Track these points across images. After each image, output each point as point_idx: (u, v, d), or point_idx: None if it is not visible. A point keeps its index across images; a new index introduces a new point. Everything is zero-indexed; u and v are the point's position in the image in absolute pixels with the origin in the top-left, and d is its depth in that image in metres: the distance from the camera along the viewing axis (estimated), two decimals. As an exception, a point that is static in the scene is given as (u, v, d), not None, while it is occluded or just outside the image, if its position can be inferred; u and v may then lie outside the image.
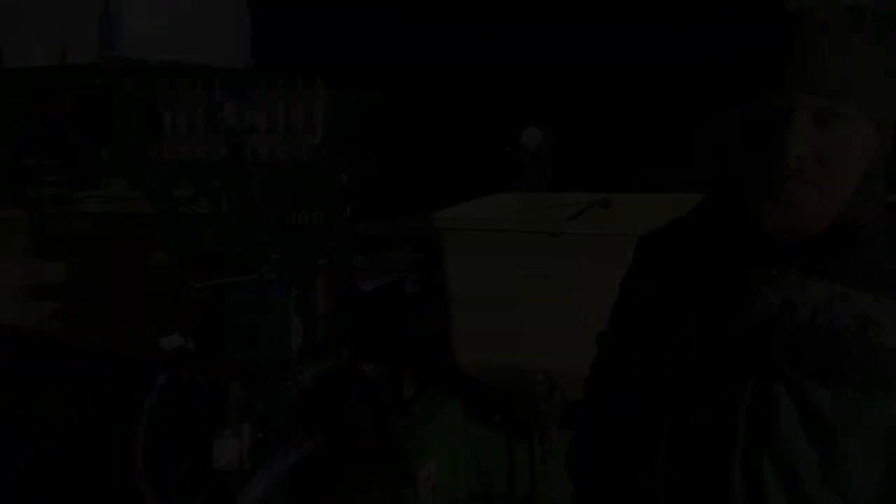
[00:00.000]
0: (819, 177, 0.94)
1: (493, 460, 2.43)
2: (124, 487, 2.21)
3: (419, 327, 2.58)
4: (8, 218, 2.55)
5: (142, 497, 1.76)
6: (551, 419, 2.20)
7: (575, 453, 1.30)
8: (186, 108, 1.77)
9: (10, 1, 3.01)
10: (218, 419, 1.70)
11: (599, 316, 2.02)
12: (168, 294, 2.16)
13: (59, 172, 3.75)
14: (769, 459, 0.95)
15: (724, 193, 1.07)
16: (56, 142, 3.76)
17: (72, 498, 3.12)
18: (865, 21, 0.96)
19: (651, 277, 1.16)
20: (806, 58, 0.94)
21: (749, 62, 1.00)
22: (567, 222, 2.09)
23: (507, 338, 2.08)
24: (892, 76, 0.95)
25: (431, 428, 2.32)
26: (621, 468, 1.12)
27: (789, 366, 0.95)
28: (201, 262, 1.89)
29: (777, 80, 0.96)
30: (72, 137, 3.61)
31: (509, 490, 2.42)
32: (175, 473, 2.43)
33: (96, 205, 3.02)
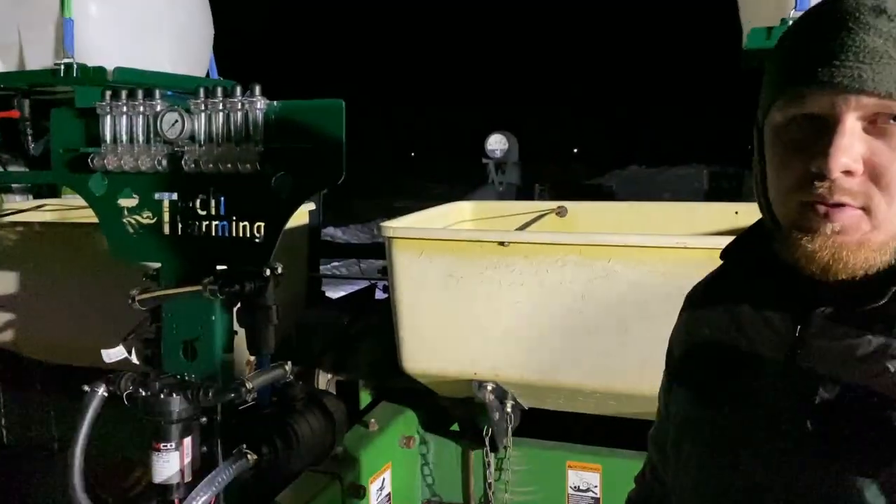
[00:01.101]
0: (869, 196, 0.77)
1: (449, 469, 2.42)
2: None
3: (376, 336, 2.57)
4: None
5: (81, 512, 1.73)
6: (503, 427, 2.21)
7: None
8: (128, 118, 1.75)
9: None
10: (158, 432, 1.68)
11: (548, 324, 2.04)
12: (115, 305, 2.14)
13: (22, 179, 3.71)
14: None
15: (761, 225, 0.90)
16: (17, 148, 3.72)
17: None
18: None
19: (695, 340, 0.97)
20: (847, 49, 0.76)
21: (776, 57, 0.82)
22: (515, 231, 2.10)
23: (456, 347, 2.08)
24: None
25: (386, 438, 2.31)
26: None
27: (827, 436, 0.78)
28: (145, 274, 1.87)
29: (812, 78, 0.77)
30: (27, 146, 3.58)
31: (465, 499, 2.42)
32: (116, 487, 2.40)
33: (53, 213, 2.99)
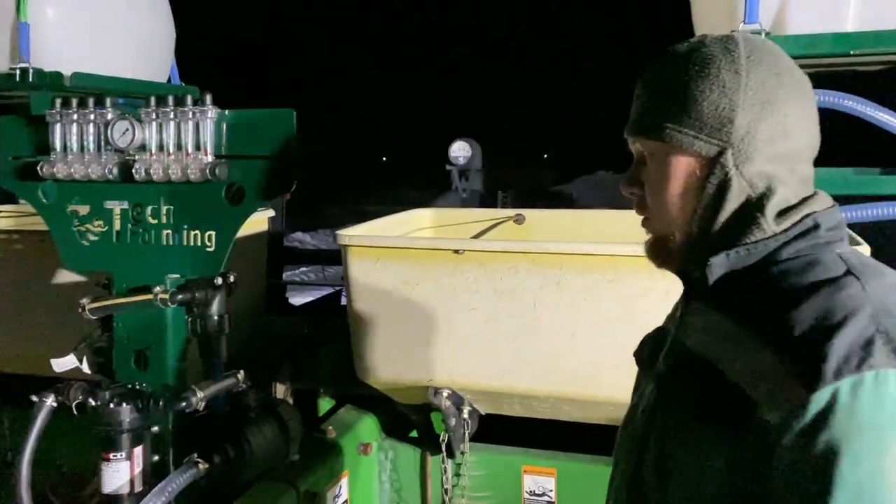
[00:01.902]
0: (645, 209, 1.06)
1: (407, 476, 2.43)
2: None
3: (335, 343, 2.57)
4: None
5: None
6: (460, 433, 2.22)
7: None
8: (77, 126, 1.75)
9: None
10: (108, 442, 1.67)
11: (502, 331, 2.06)
12: (68, 314, 2.12)
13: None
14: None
15: None
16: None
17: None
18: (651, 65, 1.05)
19: None
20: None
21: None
22: (469, 240, 2.12)
23: (412, 353, 2.10)
24: (675, 112, 0.99)
25: (344, 444, 2.32)
26: None
27: (664, 383, 1.03)
28: (97, 282, 1.87)
29: None
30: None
31: (423, 505, 2.43)
32: (73, 498, 2.38)
33: (8, 219, 2.94)
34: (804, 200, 0.99)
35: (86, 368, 1.84)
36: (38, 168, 1.77)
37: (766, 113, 0.97)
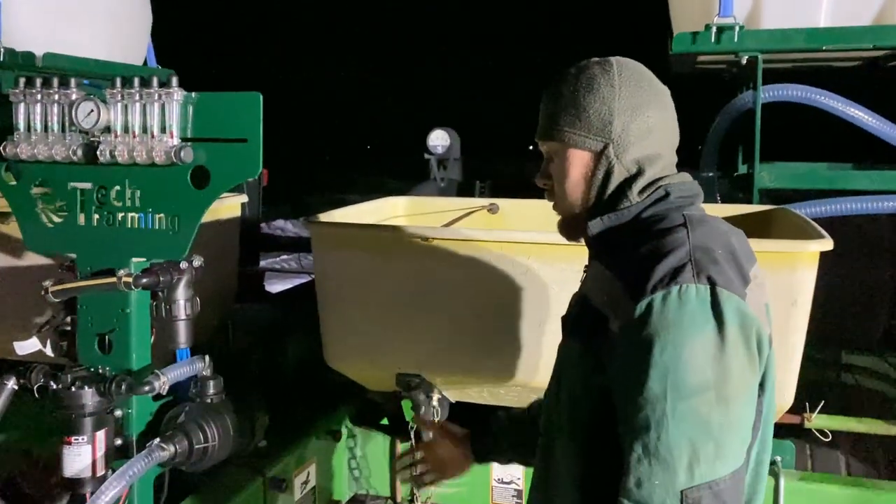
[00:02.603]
0: (554, 196, 1.38)
1: (376, 463, 2.44)
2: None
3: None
4: None
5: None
6: (429, 421, 2.23)
7: None
8: (42, 106, 1.72)
9: None
10: (70, 426, 1.65)
11: (470, 319, 2.06)
12: (32, 297, 2.10)
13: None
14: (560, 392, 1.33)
15: None
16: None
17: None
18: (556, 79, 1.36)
19: None
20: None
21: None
22: (439, 228, 2.12)
23: (380, 341, 2.09)
24: (566, 118, 1.32)
25: (312, 432, 2.32)
26: None
27: (567, 324, 1.38)
28: (61, 265, 1.84)
29: None
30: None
31: (391, 492, 2.44)
32: (31, 482, 2.36)
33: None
34: (665, 178, 1.30)
35: (49, 351, 1.82)
36: (2, 148, 1.74)
37: (634, 115, 1.29)
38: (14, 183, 1.79)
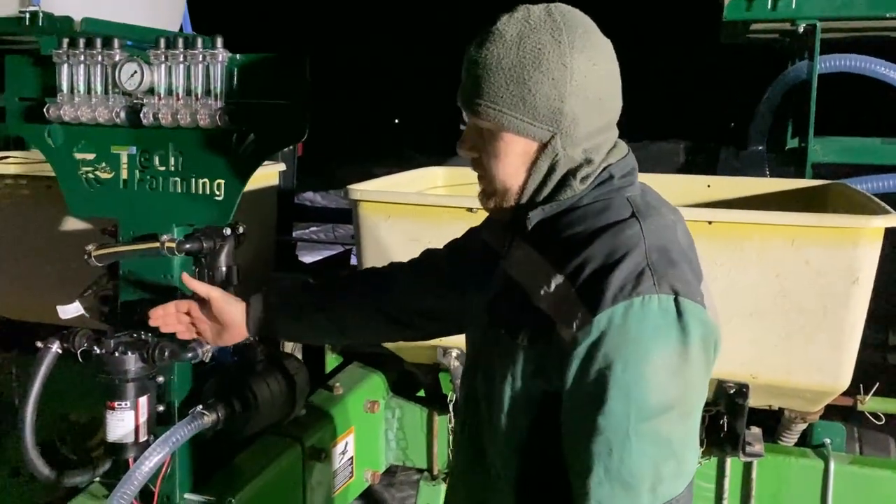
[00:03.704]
0: (482, 169, 1.20)
1: (414, 435, 2.42)
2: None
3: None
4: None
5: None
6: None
7: None
8: (85, 67, 1.69)
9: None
10: (113, 391, 1.65)
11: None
12: (74, 261, 2.09)
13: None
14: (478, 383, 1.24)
15: None
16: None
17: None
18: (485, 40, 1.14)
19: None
20: (462, 79, 1.17)
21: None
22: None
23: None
24: (501, 93, 1.11)
25: (351, 401, 2.30)
26: None
27: (491, 306, 1.22)
28: (103, 229, 1.83)
29: None
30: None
31: (429, 464, 2.42)
32: (69, 446, 2.37)
33: (17, 166, 2.90)
34: (606, 156, 1.17)
35: (91, 316, 1.82)
36: (45, 110, 1.72)
37: (585, 99, 1.12)
38: (57, 146, 1.77)
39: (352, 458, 2.28)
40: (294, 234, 4.32)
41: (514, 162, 1.15)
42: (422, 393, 2.56)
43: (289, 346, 2.56)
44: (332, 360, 2.59)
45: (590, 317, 1.04)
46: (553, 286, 1.10)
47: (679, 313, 1.04)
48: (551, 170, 1.15)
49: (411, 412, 2.43)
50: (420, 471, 4.09)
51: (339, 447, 2.21)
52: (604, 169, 1.17)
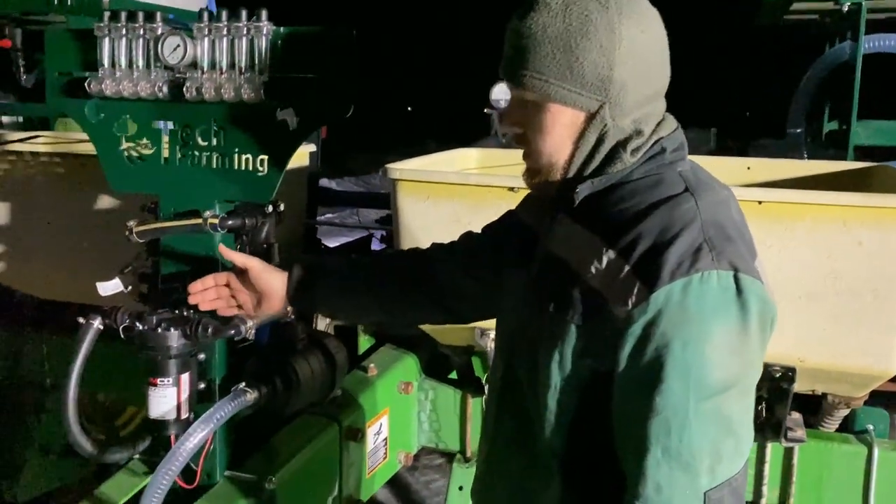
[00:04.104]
0: (526, 145, 1.17)
1: (446, 416, 2.41)
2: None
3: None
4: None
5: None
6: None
7: None
8: (126, 41, 1.67)
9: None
10: (155, 368, 1.64)
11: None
12: (109, 240, 2.08)
13: (12, 111, 3.61)
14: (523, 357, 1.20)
15: None
16: (8, 79, 3.60)
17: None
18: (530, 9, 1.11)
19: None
20: (504, 51, 1.15)
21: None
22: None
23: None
24: (551, 62, 1.09)
25: (385, 382, 2.29)
26: None
27: (533, 283, 1.19)
28: (142, 206, 1.82)
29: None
30: (19, 77, 3.47)
31: (461, 447, 2.41)
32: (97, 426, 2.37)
33: (46, 145, 2.90)
34: (655, 128, 1.15)
35: (130, 293, 1.80)
36: (86, 85, 1.70)
37: (635, 66, 1.10)
38: (97, 120, 1.75)
39: (386, 439, 2.27)
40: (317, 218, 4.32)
41: (561, 134, 1.13)
42: (454, 375, 2.55)
43: (321, 327, 2.55)
44: (364, 342, 2.58)
45: (646, 294, 1.02)
46: (604, 262, 1.07)
47: (738, 290, 1.02)
48: (599, 141, 1.12)
49: (444, 394, 2.42)
50: (443, 455, 4.11)
51: (374, 428, 2.20)
52: (655, 142, 1.14)
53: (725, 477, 1.04)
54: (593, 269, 1.08)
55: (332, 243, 4.91)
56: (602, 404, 1.10)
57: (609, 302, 1.06)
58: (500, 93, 4.70)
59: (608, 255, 1.07)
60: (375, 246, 4.57)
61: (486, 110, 4.56)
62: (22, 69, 3.69)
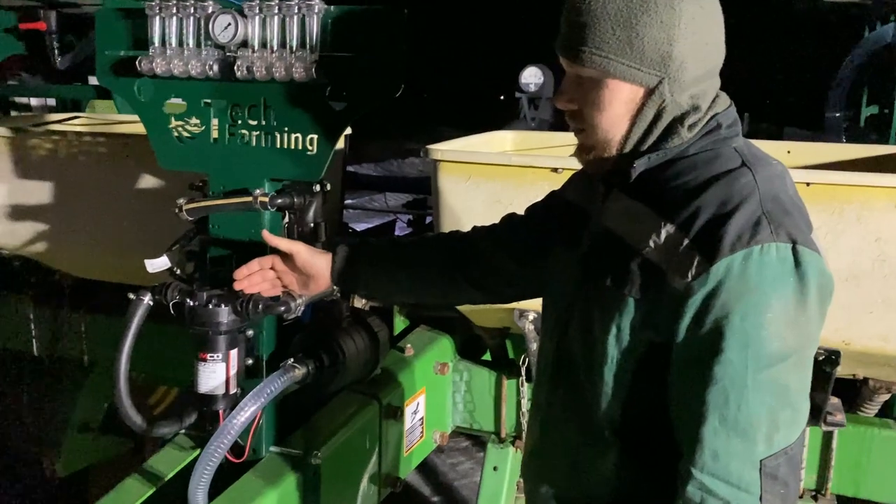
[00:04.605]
0: (581, 122, 1.18)
1: (481, 398, 2.43)
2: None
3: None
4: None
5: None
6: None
7: None
8: (177, 20, 1.69)
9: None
10: (205, 343, 1.66)
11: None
12: (156, 217, 2.11)
13: (44, 93, 3.65)
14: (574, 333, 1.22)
15: None
16: (41, 61, 3.64)
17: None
18: None
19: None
20: (560, 28, 1.16)
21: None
22: (569, 158, 2.04)
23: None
24: (616, 35, 1.10)
25: (421, 363, 2.30)
26: None
27: (587, 259, 1.21)
28: (190, 185, 1.84)
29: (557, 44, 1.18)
30: (53, 60, 3.49)
31: (496, 428, 2.42)
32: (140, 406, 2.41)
33: (85, 126, 2.94)
34: (711, 104, 1.16)
35: (179, 270, 1.83)
36: (137, 63, 1.72)
37: (694, 42, 1.11)
38: (147, 99, 1.77)
39: (422, 418, 2.30)
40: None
41: (619, 110, 1.14)
42: (487, 357, 2.56)
43: (359, 306, 2.57)
44: (399, 323, 2.60)
45: (707, 266, 1.04)
46: (663, 236, 1.09)
47: (797, 262, 1.04)
48: (657, 117, 1.14)
49: (479, 375, 2.43)
50: (469, 438, 4.13)
51: (411, 407, 2.22)
52: (711, 118, 1.15)
53: (782, 446, 1.06)
54: (651, 243, 1.10)
55: (358, 227, 4.94)
56: (658, 375, 1.12)
57: (668, 275, 1.07)
58: (530, 76, 4.72)
59: (667, 229, 1.09)
60: (400, 230, 4.59)
61: (516, 94, 4.58)
62: (56, 51, 3.73)
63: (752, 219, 1.04)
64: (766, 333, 1.02)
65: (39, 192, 2.49)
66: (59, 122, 2.97)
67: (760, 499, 1.05)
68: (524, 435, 2.25)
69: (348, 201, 5.29)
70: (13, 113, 3.79)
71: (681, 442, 1.10)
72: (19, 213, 2.53)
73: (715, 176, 1.10)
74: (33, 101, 4.14)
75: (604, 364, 1.16)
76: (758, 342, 1.02)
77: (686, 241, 1.07)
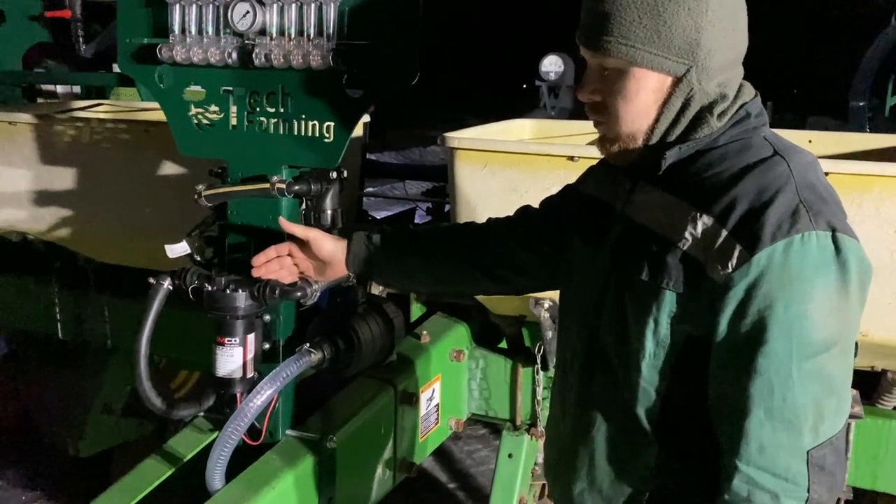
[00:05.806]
0: (603, 114, 1.17)
1: (497, 385, 2.44)
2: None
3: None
4: (17, 123, 2.51)
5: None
6: (555, 346, 2.19)
7: None
8: (196, 8, 1.70)
9: None
10: (223, 327, 1.69)
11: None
12: (175, 202, 2.14)
13: (69, 81, 3.70)
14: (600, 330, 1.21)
15: None
16: (66, 49, 3.68)
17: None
18: None
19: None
20: (582, 18, 1.16)
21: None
22: (585, 146, 2.04)
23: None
24: (643, 27, 1.09)
25: (437, 350, 2.32)
26: None
27: (617, 253, 1.20)
28: (210, 171, 1.86)
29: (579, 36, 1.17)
30: (78, 47, 3.54)
31: (511, 415, 2.43)
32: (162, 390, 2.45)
33: (107, 113, 2.98)
34: (738, 93, 1.15)
35: (199, 255, 1.85)
36: (157, 51, 1.74)
37: (721, 30, 1.10)
38: (167, 87, 1.80)
39: (438, 405, 2.31)
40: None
41: (646, 100, 1.13)
42: (503, 344, 2.57)
43: (376, 293, 2.59)
44: (416, 310, 2.61)
45: (748, 256, 1.03)
46: (700, 228, 1.08)
47: (837, 249, 1.03)
48: (685, 106, 1.13)
49: (495, 363, 2.44)
50: (486, 426, 4.14)
51: (427, 393, 2.24)
52: (740, 107, 1.15)
53: (827, 436, 1.05)
54: (687, 235, 1.09)
55: (378, 215, 4.96)
56: (696, 368, 1.11)
57: (707, 267, 1.06)
58: (550, 65, 4.70)
59: (703, 221, 1.08)
60: (420, 218, 4.60)
61: (536, 83, 4.57)
62: (81, 39, 3.78)
63: (791, 208, 1.04)
64: (810, 323, 1.02)
65: (64, 177, 2.53)
66: (83, 109, 3.01)
67: (808, 490, 1.04)
68: (544, 430, 2.26)
69: (369, 189, 5.30)
70: (39, 100, 3.85)
71: (720, 435, 1.10)
72: (44, 198, 2.58)
73: (748, 165, 1.10)
74: (59, 89, 4.20)
75: (641, 359, 1.15)
76: (802, 332, 1.02)
77: (724, 233, 1.06)
